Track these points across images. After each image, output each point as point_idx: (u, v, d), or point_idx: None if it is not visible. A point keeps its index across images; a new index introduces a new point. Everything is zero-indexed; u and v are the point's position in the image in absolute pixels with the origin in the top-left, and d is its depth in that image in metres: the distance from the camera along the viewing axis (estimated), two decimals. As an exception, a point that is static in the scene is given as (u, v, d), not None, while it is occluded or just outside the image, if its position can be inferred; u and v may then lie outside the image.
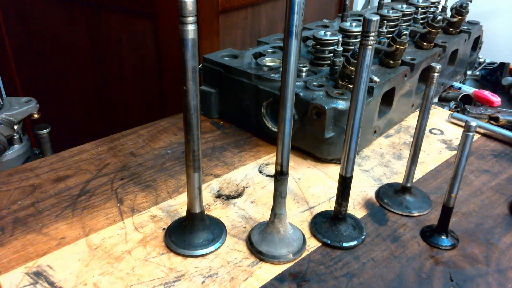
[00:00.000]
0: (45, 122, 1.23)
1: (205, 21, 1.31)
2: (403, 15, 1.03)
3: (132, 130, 0.87)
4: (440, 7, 1.17)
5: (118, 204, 0.66)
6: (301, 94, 0.75)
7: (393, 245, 0.61)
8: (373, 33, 0.49)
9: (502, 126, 0.94)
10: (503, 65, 1.29)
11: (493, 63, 1.37)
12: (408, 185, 0.69)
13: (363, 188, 0.73)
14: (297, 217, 0.66)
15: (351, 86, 0.70)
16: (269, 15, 1.54)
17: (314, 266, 0.57)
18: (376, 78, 0.76)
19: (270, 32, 1.55)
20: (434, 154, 0.84)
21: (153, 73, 1.46)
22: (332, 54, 0.83)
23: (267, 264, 0.57)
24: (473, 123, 0.54)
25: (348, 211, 0.63)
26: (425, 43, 0.97)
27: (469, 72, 1.28)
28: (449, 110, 1.07)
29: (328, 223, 0.63)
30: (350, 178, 0.59)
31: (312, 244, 0.61)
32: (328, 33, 0.85)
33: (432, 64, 0.60)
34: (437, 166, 0.81)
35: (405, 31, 0.82)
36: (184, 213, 0.63)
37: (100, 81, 1.59)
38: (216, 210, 0.67)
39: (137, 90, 1.53)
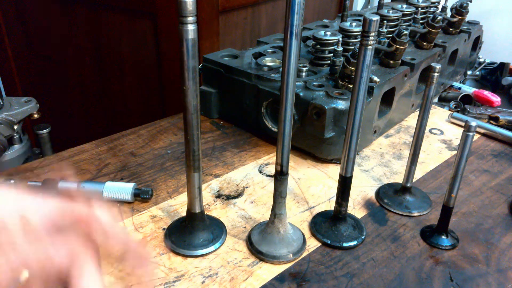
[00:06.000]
0: (45, 122, 1.23)
1: (205, 21, 1.31)
2: (403, 15, 1.03)
3: (132, 130, 0.87)
4: (440, 7, 1.17)
5: (118, 204, 0.66)
6: (301, 94, 0.75)
7: (393, 245, 0.61)
8: (373, 33, 0.49)
9: (502, 126, 0.94)
10: (503, 65, 1.29)
11: (493, 63, 1.37)
12: (408, 185, 0.69)
13: (363, 188, 0.73)
14: (297, 217, 0.66)
15: (351, 86, 0.70)
16: (269, 15, 1.54)
17: (314, 266, 0.57)
18: (376, 78, 0.76)
19: (270, 32, 1.55)
20: (434, 154, 0.84)
21: (153, 73, 1.46)
22: (332, 54, 0.83)
23: (267, 264, 0.57)
24: (473, 123, 0.54)
25: (348, 211, 0.63)
26: (425, 43, 0.97)
27: (469, 72, 1.28)
28: (449, 110, 1.07)
29: (328, 223, 0.63)
30: (350, 178, 0.59)
31: (312, 244, 0.61)
32: (328, 33, 0.85)
33: (432, 64, 0.60)
34: (437, 166, 0.81)
35: (405, 31, 0.82)
36: (184, 213, 0.63)
37: (100, 81, 1.59)
38: (216, 210, 0.67)
39: (137, 90, 1.53)
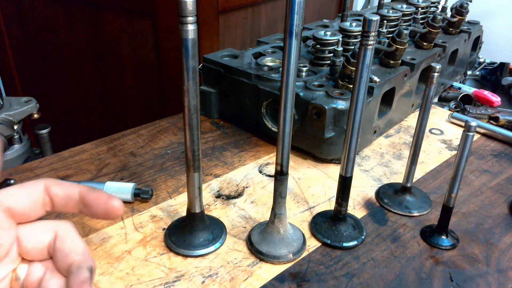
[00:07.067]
0: (45, 122, 1.23)
1: (205, 21, 1.31)
2: (403, 15, 1.03)
3: (132, 130, 0.87)
4: (440, 7, 1.17)
5: (118, 204, 0.66)
6: (301, 94, 0.75)
7: (393, 245, 0.61)
8: (373, 33, 0.49)
9: (502, 126, 0.94)
10: (503, 65, 1.29)
11: (493, 63, 1.37)
12: (408, 185, 0.69)
13: (363, 188, 0.73)
14: (297, 217, 0.66)
15: (351, 86, 0.70)
16: (269, 15, 1.55)
17: (314, 266, 0.57)
18: (376, 78, 0.76)
19: (270, 32, 1.55)
20: (434, 154, 0.84)
21: (153, 73, 1.46)
22: (332, 54, 0.83)
23: (267, 264, 0.57)
24: (473, 123, 0.54)
25: (348, 211, 0.63)
26: (425, 43, 0.97)
27: (469, 72, 1.28)
28: (449, 110, 1.07)
29: (328, 223, 0.63)
30: (350, 178, 0.59)
31: (312, 244, 0.61)
32: (328, 33, 0.85)
33: (432, 64, 0.60)
34: (437, 166, 0.81)
35: (405, 31, 0.82)
36: (184, 213, 0.63)
37: (100, 81, 1.59)
38: (216, 210, 0.67)
39: (137, 90, 1.53)
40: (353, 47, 0.86)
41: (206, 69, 0.89)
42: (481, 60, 1.37)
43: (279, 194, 0.57)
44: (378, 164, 0.80)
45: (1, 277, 0.37)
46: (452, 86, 1.20)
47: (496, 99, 1.08)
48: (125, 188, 0.66)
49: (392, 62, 0.85)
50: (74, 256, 0.38)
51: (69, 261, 0.37)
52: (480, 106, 1.06)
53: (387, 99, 0.87)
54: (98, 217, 0.42)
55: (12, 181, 0.68)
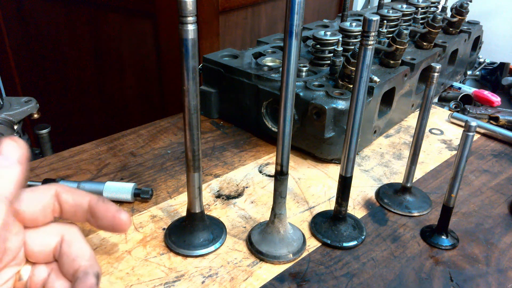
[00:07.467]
0: (45, 122, 1.23)
1: (205, 21, 1.31)
2: (403, 15, 1.03)
3: (132, 130, 0.87)
4: (440, 7, 1.17)
5: (118, 204, 0.66)
6: (301, 94, 0.75)
7: (393, 245, 0.61)
8: (373, 33, 0.49)
9: (502, 126, 0.94)
10: (503, 65, 1.29)
11: (493, 63, 1.37)
12: (408, 185, 0.69)
13: (363, 188, 0.73)
14: (297, 217, 0.66)
15: (351, 86, 0.70)
16: (269, 15, 1.55)
17: (314, 266, 0.57)
18: (376, 78, 0.76)
19: (270, 32, 1.55)
20: (434, 154, 0.84)
21: (153, 73, 1.46)
22: (332, 54, 0.83)
23: (267, 264, 0.57)
24: (473, 123, 0.54)
25: (348, 211, 0.63)
26: (425, 43, 0.97)
27: (469, 72, 1.28)
28: (449, 110, 1.07)
29: (328, 223, 0.63)
30: (350, 178, 0.59)
31: (312, 244, 0.61)
32: (328, 33, 0.85)
33: (432, 64, 0.60)
34: (437, 166, 0.81)
35: (405, 31, 0.82)
36: (184, 213, 0.63)
37: (100, 81, 1.59)
38: (216, 210, 0.67)
39: (137, 90, 1.53)
40: (353, 47, 0.86)
41: (206, 69, 0.89)
42: (481, 60, 1.37)
43: (279, 194, 0.57)
44: (378, 164, 0.80)
45: (6, 279, 0.38)
46: (452, 86, 1.20)
47: (496, 99, 1.08)
48: (125, 188, 0.66)
49: (392, 62, 0.85)
50: (80, 261, 0.38)
51: (75, 266, 0.37)
52: (480, 106, 1.06)
53: (387, 99, 0.87)
54: (104, 229, 0.41)
55: None
